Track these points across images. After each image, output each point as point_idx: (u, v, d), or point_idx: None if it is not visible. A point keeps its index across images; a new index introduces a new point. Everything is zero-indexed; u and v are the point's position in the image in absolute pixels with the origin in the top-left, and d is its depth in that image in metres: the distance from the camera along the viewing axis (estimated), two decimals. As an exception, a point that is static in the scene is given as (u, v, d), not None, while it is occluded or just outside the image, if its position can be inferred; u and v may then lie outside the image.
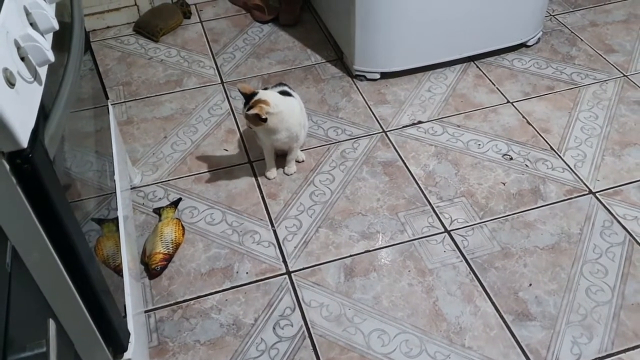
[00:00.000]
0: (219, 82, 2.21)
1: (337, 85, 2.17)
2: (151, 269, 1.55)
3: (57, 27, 0.85)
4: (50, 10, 0.85)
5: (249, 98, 1.64)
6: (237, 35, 2.45)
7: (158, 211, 1.71)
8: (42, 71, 0.81)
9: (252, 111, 1.60)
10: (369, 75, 2.17)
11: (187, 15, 2.55)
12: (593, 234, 1.62)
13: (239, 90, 1.66)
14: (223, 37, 2.45)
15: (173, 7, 2.53)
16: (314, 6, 2.56)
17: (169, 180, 1.83)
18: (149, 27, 2.44)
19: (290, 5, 2.53)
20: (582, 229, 1.64)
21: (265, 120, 1.62)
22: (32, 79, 0.77)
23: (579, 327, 1.42)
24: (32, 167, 0.71)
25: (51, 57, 0.79)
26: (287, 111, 1.67)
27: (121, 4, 2.49)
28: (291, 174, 1.82)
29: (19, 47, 0.74)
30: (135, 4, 2.51)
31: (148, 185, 1.82)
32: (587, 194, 1.74)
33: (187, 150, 1.93)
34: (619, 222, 1.65)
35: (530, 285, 1.51)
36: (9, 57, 0.71)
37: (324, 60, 2.29)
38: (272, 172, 1.82)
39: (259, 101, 1.61)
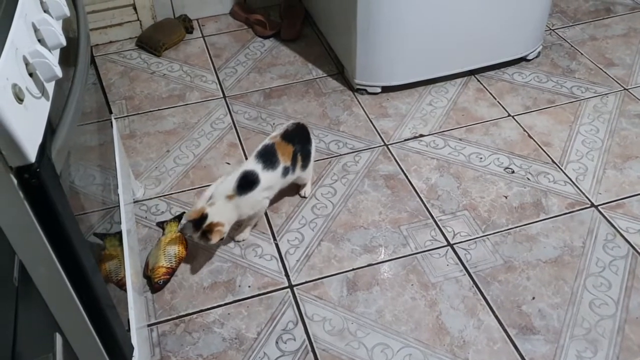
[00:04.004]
0: (221, 96, 2.22)
1: (339, 99, 2.18)
2: (154, 283, 1.55)
3: (64, 43, 0.86)
4: (57, 27, 0.86)
5: (199, 221, 1.53)
6: (239, 50, 2.47)
7: (162, 225, 1.71)
8: (50, 86, 0.82)
9: (213, 239, 1.52)
10: (370, 89, 2.18)
11: (189, 30, 2.57)
12: (596, 247, 1.62)
13: (188, 220, 1.57)
14: (225, 52, 2.47)
15: (175, 22, 2.55)
16: (315, 21, 2.58)
17: (171, 194, 1.83)
18: (152, 42, 2.46)
19: (292, 20, 2.55)
20: (585, 242, 1.64)
21: (223, 237, 1.56)
22: (40, 95, 0.77)
23: (583, 341, 1.41)
24: (39, 181, 0.71)
25: (59, 72, 0.79)
26: (238, 210, 1.58)
27: (124, 19, 2.51)
28: (242, 240, 1.69)
29: (27, 63, 0.75)
30: (138, 19, 2.53)
31: (151, 198, 1.82)
32: (589, 207, 1.74)
33: (189, 164, 1.93)
34: (621, 235, 1.65)
35: (534, 298, 1.51)
36: (18, 73, 0.72)
37: (325, 75, 2.31)
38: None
39: (213, 225, 1.51)
